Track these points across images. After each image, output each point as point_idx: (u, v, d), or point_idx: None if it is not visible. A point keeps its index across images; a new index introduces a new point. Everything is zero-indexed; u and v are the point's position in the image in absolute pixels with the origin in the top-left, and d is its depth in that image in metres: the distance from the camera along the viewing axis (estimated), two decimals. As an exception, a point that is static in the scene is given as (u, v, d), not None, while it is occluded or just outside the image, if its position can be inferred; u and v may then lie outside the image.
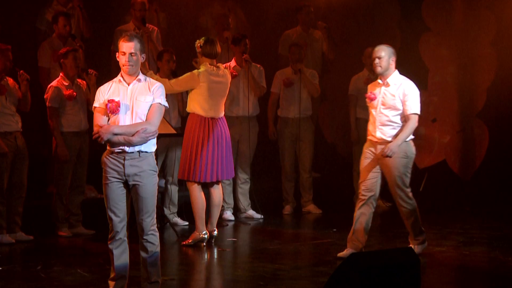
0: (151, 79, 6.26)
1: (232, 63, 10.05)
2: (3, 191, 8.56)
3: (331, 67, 11.73)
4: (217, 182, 8.59)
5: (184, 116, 9.26)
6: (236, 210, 10.25)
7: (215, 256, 8.37)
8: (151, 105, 6.10)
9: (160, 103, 6.12)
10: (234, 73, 9.93)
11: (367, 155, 7.87)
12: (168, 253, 8.25)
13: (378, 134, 7.80)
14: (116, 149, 6.05)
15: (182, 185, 8.96)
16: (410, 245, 7.97)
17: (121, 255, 6.16)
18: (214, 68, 8.55)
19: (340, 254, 7.83)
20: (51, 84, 8.97)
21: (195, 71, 8.51)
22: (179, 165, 8.61)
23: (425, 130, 12.03)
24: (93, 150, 8.84)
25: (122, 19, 10.45)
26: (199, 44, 8.53)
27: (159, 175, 9.54)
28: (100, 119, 6.09)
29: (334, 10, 11.80)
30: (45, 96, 8.90)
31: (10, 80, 8.74)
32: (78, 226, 9.11)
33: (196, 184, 8.46)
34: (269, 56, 11.16)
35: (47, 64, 9.66)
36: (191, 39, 8.89)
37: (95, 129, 6.08)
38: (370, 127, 7.91)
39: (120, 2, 10.70)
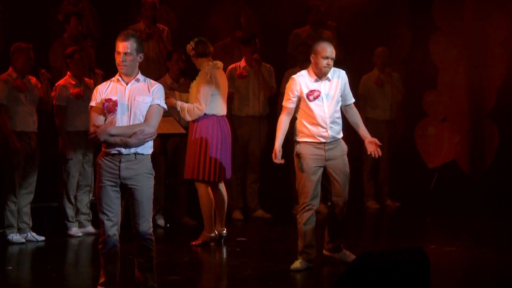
0: (151, 80, 6.14)
1: (242, 63, 10.05)
2: (15, 190, 8.58)
3: (340, 66, 11.71)
4: (221, 182, 8.60)
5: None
6: (246, 210, 10.26)
7: (224, 256, 8.38)
8: (150, 106, 6.00)
9: (159, 105, 6.02)
10: (244, 73, 9.93)
11: (318, 162, 7.28)
12: (178, 253, 8.25)
13: (331, 133, 7.26)
14: (112, 151, 5.96)
15: (192, 184, 8.96)
16: (346, 251, 7.56)
17: (112, 260, 6.06)
18: (216, 63, 8.50)
19: (293, 267, 7.35)
20: (58, 83, 8.99)
21: (204, 73, 8.39)
22: (186, 164, 8.59)
23: (435, 129, 12.02)
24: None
25: (133, 19, 10.47)
26: (190, 47, 8.45)
27: (169, 175, 9.64)
28: (96, 119, 6.00)
29: (344, 10, 11.79)
30: (52, 95, 8.92)
31: (33, 79, 8.74)
32: (87, 225, 9.13)
33: (204, 184, 8.47)
34: (279, 56, 11.15)
35: (59, 63, 9.69)
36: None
37: (92, 129, 5.99)
38: (314, 128, 7.26)
39: (131, 2, 10.72)
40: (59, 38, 9.89)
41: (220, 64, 8.56)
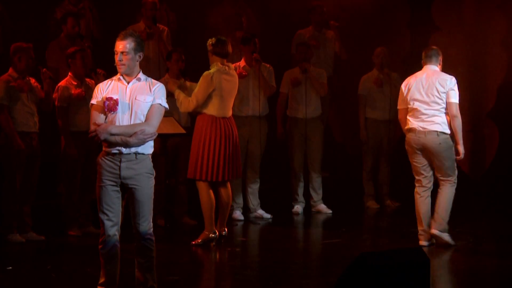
0: (152, 79, 6.11)
1: (242, 62, 10.05)
2: (16, 190, 8.58)
3: (341, 67, 11.73)
4: (226, 182, 8.60)
5: (193, 115, 9.27)
6: (246, 210, 10.25)
7: (225, 256, 8.38)
8: (151, 105, 5.96)
9: (160, 104, 5.98)
10: (243, 73, 9.94)
11: None
12: (178, 252, 8.25)
13: None
14: (113, 150, 5.94)
15: (192, 184, 8.97)
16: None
17: (112, 260, 6.04)
18: (226, 67, 8.56)
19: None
20: (59, 83, 9.00)
21: (207, 73, 8.48)
22: (189, 164, 8.62)
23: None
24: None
25: (133, 19, 10.48)
26: (210, 43, 8.54)
27: (169, 175, 9.64)
28: (97, 117, 5.96)
29: (344, 10, 11.79)
30: (53, 96, 8.93)
31: (32, 80, 8.75)
32: (88, 225, 9.12)
33: (205, 184, 8.47)
34: (279, 56, 11.15)
35: (56, 64, 9.70)
36: (201, 39, 8.91)
37: (92, 127, 5.96)
38: None
39: (131, 2, 10.73)
40: (56, 38, 9.90)
41: (230, 67, 8.60)
